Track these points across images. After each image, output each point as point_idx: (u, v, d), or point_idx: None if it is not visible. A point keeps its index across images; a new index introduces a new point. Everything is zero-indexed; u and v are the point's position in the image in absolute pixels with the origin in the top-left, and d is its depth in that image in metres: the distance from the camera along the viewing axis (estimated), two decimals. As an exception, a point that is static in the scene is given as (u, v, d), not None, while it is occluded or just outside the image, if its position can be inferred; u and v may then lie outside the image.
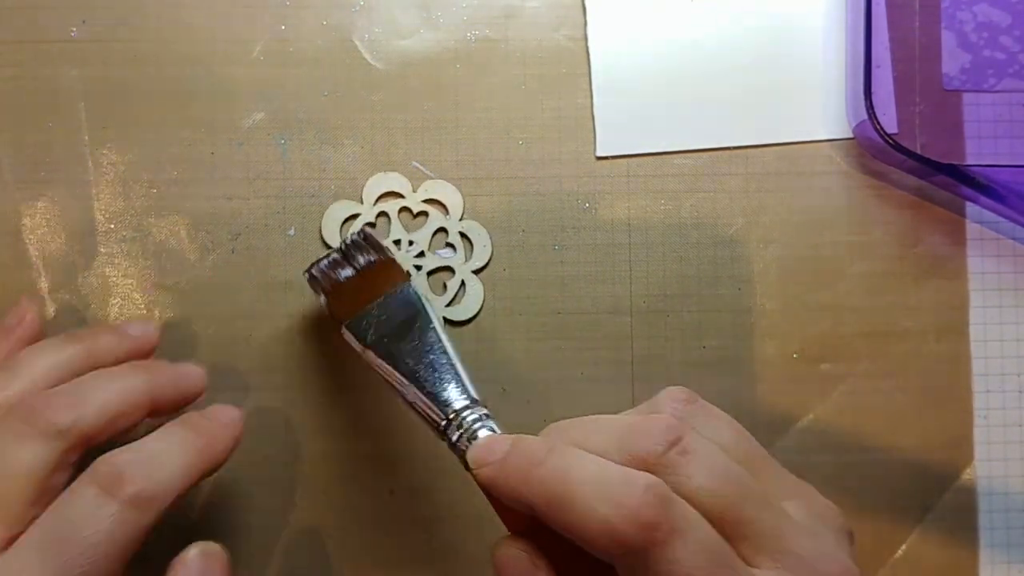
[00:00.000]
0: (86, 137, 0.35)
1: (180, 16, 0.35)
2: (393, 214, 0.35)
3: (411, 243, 0.35)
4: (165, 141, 0.35)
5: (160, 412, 0.29)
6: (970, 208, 0.36)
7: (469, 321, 0.35)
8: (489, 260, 0.35)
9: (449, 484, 0.35)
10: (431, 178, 0.35)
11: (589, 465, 0.23)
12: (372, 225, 0.35)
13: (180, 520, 0.34)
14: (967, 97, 0.36)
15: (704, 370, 0.35)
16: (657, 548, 0.21)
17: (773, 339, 0.36)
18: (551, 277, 0.35)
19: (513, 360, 0.35)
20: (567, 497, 0.22)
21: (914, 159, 0.34)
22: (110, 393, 0.28)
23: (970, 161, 0.36)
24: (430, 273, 0.35)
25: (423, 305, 0.31)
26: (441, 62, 0.36)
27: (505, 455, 0.25)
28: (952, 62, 0.36)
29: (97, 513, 0.25)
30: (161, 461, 0.27)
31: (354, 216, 0.35)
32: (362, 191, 0.35)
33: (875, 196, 0.36)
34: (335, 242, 0.35)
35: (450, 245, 0.35)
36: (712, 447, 0.24)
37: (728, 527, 0.23)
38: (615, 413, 0.35)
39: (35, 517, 0.25)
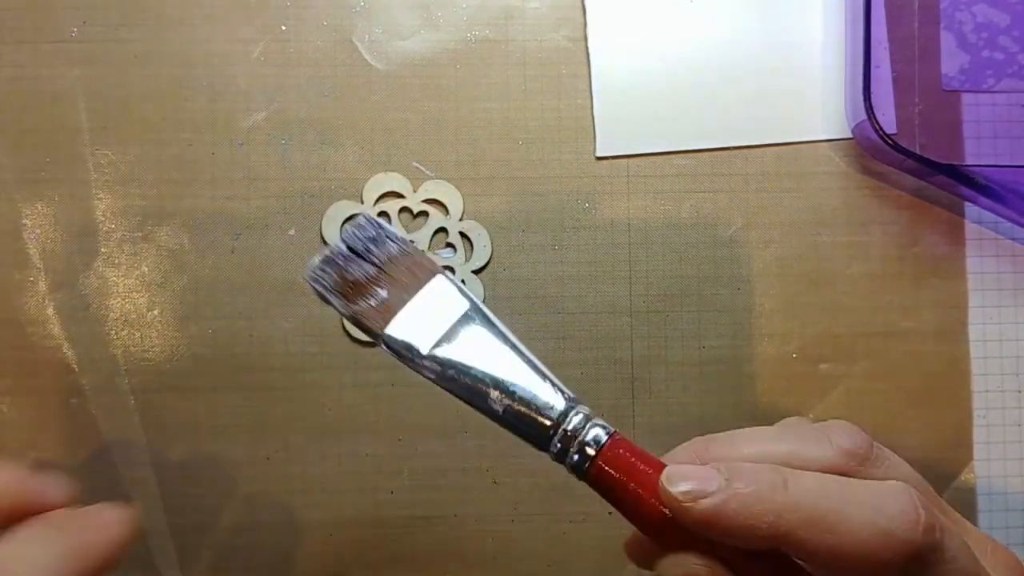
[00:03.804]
0: (87, 137, 0.35)
1: (181, 17, 0.35)
2: (393, 214, 0.35)
3: (412, 243, 0.35)
4: (165, 141, 0.35)
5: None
6: (969, 208, 0.36)
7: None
8: (489, 260, 0.35)
9: (449, 484, 0.35)
10: (431, 178, 0.35)
11: (833, 481, 0.22)
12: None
13: (180, 517, 0.34)
14: (966, 97, 0.36)
15: (703, 370, 0.35)
16: (938, 548, 0.21)
17: (772, 339, 0.36)
18: (551, 277, 0.35)
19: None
20: (832, 517, 0.21)
21: (913, 159, 0.34)
22: None
23: (969, 161, 0.36)
24: (430, 273, 0.35)
25: (470, 296, 0.25)
26: (441, 63, 0.36)
27: (730, 483, 0.22)
28: (951, 62, 0.37)
29: None
30: (15, 569, 0.22)
31: (354, 216, 0.35)
32: (362, 191, 0.35)
33: (874, 196, 0.36)
34: (331, 237, 0.35)
35: (450, 245, 0.35)
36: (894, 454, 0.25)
37: None
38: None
39: None
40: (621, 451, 0.23)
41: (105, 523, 0.24)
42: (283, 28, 0.35)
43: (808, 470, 0.23)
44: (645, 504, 0.22)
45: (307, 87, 0.35)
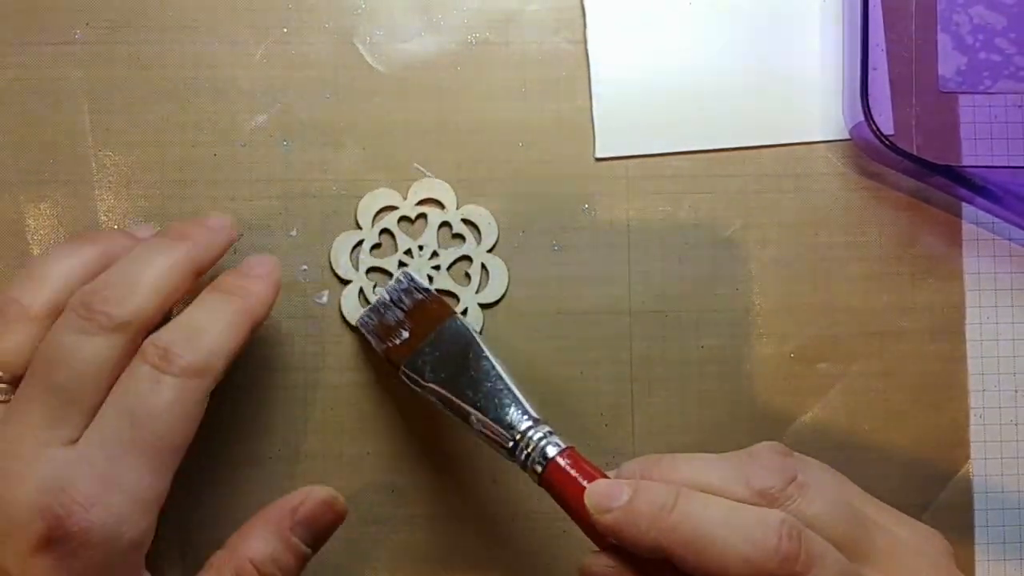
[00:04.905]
0: (89, 138, 0.35)
1: (183, 18, 0.35)
2: (393, 227, 0.35)
3: (421, 248, 0.35)
4: (168, 142, 0.35)
5: (203, 273, 0.30)
6: (966, 209, 0.36)
7: (500, 300, 0.35)
8: (498, 238, 0.35)
9: (450, 483, 0.35)
10: (416, 177, 0.35)
11: (719, 506, 0.25)
12: (377, 246, 0.35)
13: (182, 516, 0.34)
14: (963, 99, 0.37)
15: (702, 370, 0.36)
16: None
17: (770, 339, 0.36)
18: (551, 277, 0.35)
19: (513, 360, 0.35)
20: (704, 540, 0.24)
21: (910, 160, 0.34)
22: (157, 274, 0.28)
23: (966, 162, 0.36)
24: (448, 268, 0.35)
25: (473, 336, 0.32)
26: (442, 65, 0.36)
27: (630, 501, 0.26)
28: (948, 64, 0.37)
29: (156, 388, 0.27)
30: (203, 330, 0.28)
31: (360, 243, 0.35)
32: (356, 215, 0.35)
33: (871, 197, 0.36)
34: (347, 273, 0.35)
35: (458, 236, 0.35)
36: (822, 480, 0.27)
37: (848, 550, 0.25)
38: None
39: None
40: (566, 465, 0.28)
41: (261, 275, 0.31)
42: (285, 30, 0.36)
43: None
44: (579, 510, 0.27)
45: (309, 89, 0.35)
